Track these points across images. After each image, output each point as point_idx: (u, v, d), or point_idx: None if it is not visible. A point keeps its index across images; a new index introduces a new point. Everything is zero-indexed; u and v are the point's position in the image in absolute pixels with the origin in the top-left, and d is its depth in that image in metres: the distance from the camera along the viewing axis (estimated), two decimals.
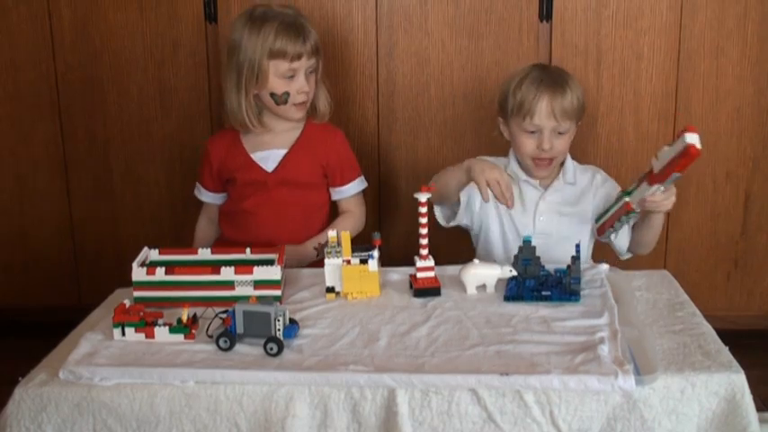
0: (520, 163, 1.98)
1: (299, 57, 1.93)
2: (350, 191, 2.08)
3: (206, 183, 2.10)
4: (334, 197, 2.08)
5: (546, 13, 2.30)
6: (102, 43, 2.40)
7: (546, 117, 1.87)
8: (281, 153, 2.01)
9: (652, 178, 1.66)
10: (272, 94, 1.95)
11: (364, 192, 2.13)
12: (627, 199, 1.74)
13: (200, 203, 2.16)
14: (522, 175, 1.97)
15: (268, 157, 2.01)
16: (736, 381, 1.26)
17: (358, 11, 2.34)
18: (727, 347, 1.35)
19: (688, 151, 1.53)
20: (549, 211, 1.95)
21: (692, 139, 1.52)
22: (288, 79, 1.94)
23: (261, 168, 2.01)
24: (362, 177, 2.11)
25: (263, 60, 1.92)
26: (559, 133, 1.90)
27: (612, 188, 1.97)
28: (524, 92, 1.89)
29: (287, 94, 1.95)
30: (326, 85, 2.07)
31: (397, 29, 2.35)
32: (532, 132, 1.90)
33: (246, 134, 2.03)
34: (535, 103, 1.87)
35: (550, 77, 1.91)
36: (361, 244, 1.62)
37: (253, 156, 2.01)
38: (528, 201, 1.96)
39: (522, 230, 1.91)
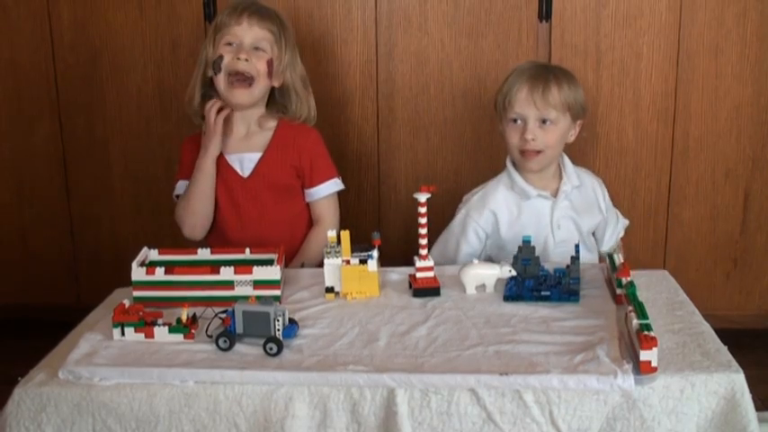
0: (517, 169, 1.94)
1: (238, 24, 1.90)
2: (322, 192, 2.00)
3: (187, 175, 2.00)
4: (307, 199, 2.01)
5: (545, 12, 2.30)
6: (102, 43, 2.40)
7: (525, 104, 1.86)
8: (255, 157, 1.97)
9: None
10: (212, 62, 1.92)
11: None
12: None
13: None
14: (533, 191, 1.92)
15: (242, 161, 1.97)
16: (736, 380, 1.26)
17: (357, 10, 2.34)
18: (727, 347, 1.35)
19: None
20: (565, 218, 1.93)
21: None
22: (228, 46, 1.91)
23: (236, 173, 1.97)
24: (338, 180, 2.03)
25: (213, 38, 1.92)
26: (543, 122, 1.87)
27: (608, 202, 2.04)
28: (509, 84, 1.90)
29: (221, 57, 1.89)
30: (306, 88, 2.01)
31: (396, 29, 2.35)
32: (516, 123, 1.89)
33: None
34: (515, 92, 1.87)
35: (538, 70, 1.91)
36: (360, 244, 1.62)
37: (227, 158, 1.97)
38: (543, 214, 1.92)
39: (542, 246, 1.88)
